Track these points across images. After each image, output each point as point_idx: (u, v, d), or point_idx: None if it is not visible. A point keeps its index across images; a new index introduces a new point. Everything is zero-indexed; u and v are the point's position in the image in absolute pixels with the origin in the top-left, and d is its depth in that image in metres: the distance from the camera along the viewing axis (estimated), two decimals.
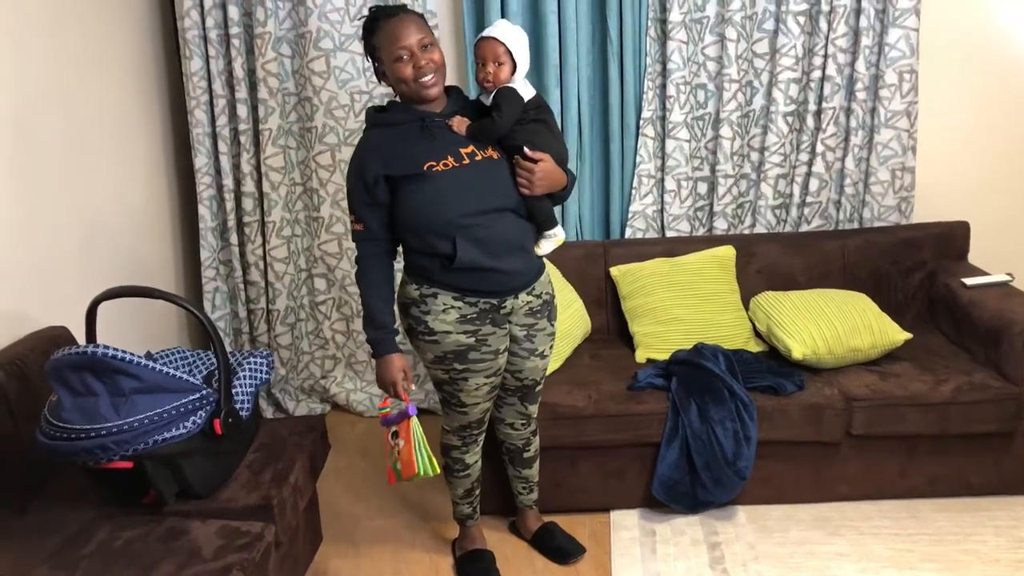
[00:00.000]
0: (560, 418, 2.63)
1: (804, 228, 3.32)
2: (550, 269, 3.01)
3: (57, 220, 2.63)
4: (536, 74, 3.25)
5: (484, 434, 2.46)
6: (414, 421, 2.20)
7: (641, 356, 2.95)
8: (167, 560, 1.87)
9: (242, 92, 3.27)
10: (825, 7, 3.09)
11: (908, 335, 2.77)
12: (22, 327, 2.39)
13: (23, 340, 2.35)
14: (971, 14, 3.20)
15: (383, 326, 2.19)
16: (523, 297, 2.25)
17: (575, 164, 3.30)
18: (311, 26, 3.23)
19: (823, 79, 3.15)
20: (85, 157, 2.80)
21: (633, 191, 3.33)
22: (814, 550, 2.52)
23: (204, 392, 2.11)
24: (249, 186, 3.37)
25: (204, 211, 3.39)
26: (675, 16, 3.13)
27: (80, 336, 2.34)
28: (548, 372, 2.66)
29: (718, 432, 2.58)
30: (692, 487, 2.63)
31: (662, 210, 3.37)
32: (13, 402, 2.17)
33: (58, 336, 2.41)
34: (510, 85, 2.17)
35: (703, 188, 3.38)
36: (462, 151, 2.14)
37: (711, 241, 3.21)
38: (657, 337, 2.97)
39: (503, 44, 2.14)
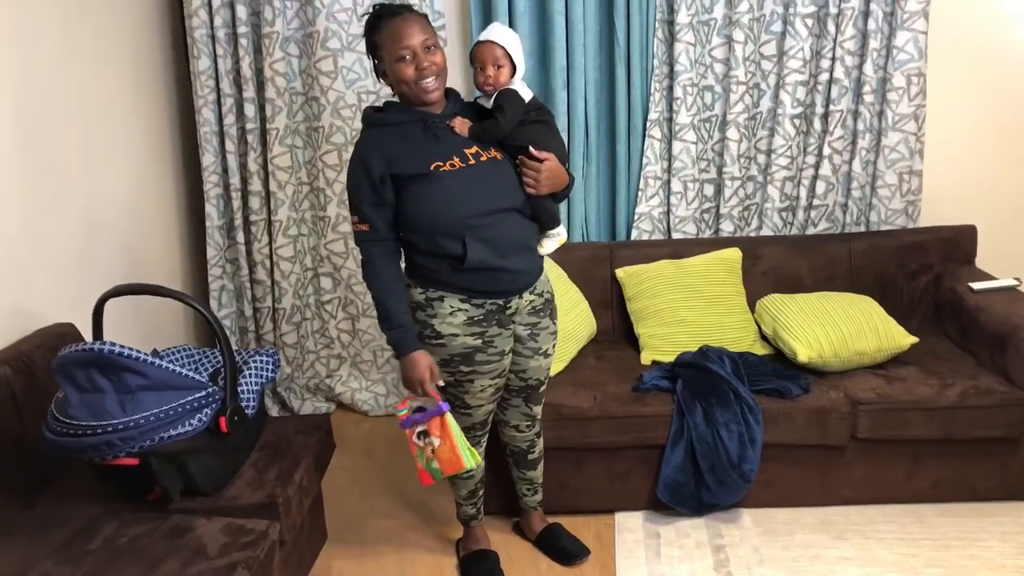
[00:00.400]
0: (565, 419, 2.63)
1: (810, 231, 3.31)
2: (556, 270, 3.03)
3: (64, 217, 2.64)
4: (543, 75, 3.25)
5: (487, 435, 2.46)
6: (449, 417, 2.14)
7: (646, 358, 2.94)
8: (172, 557, 1.87)
9: (249, 91, 3.28)
10: (833, 9, 3.09)
11: (914, 339, 2.77)
12: (29, 323, 2.40)
13: (30, 336, 2.36)
14: (980, 17, 3.19)
15: (401, 324, 2.15)
16: (526, 296, 2.26)
17: (581, 165, 3.31)
18: (319, 26, 3.24)
19: (831, 82, 3.15)
20: (93, 155, 2.81)
21: (639, 193, 3.33)
22: (819, 554, 2.52)
23: (210, 390, 2.12)
24: (256, 185, 3.38)
25: (211, 209, 3.39)
26: (682, 18, 3.13)
27: (87, 333, 2.35)
28: (553, 373, 2.66)
29: (723, 435, 2.58)
30: (697, 490, 2.63)
31: (668, 212, 3.37)
32: (20, 398, 2.18)
33: (65, 333, 2.42)
34: (511, 87, 2.19)
35: (709, 190, 3.38)
36: (467, 152, 2.15)
37: (717, 243, 3.21)
38: (663, 339, 2.97)
39: (501, 47, 2.16)
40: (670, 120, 3.28)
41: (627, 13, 3.15)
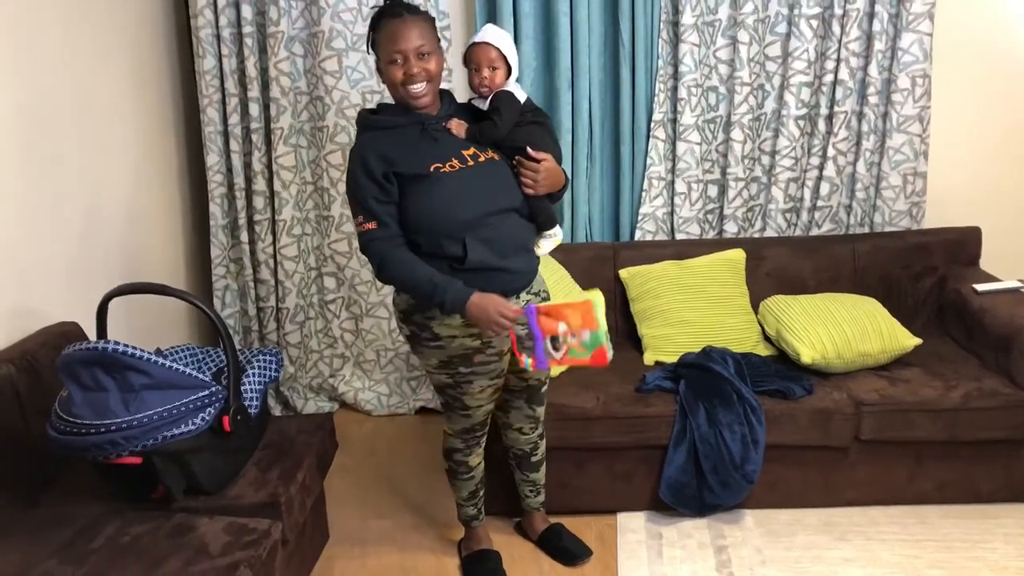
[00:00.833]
0: (568, 419, 2.63)
1: (814, 232, 3.31)
2: (560, 271, 3.03)
3: (68, 217, 2.64)
4: (547, 76, 3.25)
5: (486, 435, 2.46)
6: (543, 306, 2.05)
7: (649, 358, 2.94)
8: (175, 556, 1.87)
9: (254, 91, 3.29)
10: (838, 11, 3.08)
11: (918, 340, 2.76)
12: (33, 322, 2.41)
13: (34, 335, 2.36)
14: (985, 19, 3.18)
15: (442, 282, 2.06)
16: (523, 296, 2.26)
17: (585, 166, 3.31)
18: (324, 26, 3.24)
19: (835, 83, 3.14)
20: (97, 154, 2.81)
21: (643, 193, 3.33)
22: (821, 555, 2.52)
23: (213, 389, 2.12)
24: (260, 184, 3.38)
25: (215, 209, 3.40)
26: (687, 19, 3.13)
27: (91, 332, 2.35)
28: (555, 373, 2.66)
29: (726, 435, 2.57)
30: (699, 490, 2.63)
31: (672, 213, 3.37)
32: (24, 397, 2.18)
33: (69, 332, 2.42)
34: (506, 88, 2.19)
35: (713, 191, 3.37)
36: (465, 153, 2.15)
37: (721, 244, 3.21)
38: (666, 339, 2.96)
39: (496, 48, 2.17)
40: (674, 121, 3.28)
41: (632, 14, 3.15)
